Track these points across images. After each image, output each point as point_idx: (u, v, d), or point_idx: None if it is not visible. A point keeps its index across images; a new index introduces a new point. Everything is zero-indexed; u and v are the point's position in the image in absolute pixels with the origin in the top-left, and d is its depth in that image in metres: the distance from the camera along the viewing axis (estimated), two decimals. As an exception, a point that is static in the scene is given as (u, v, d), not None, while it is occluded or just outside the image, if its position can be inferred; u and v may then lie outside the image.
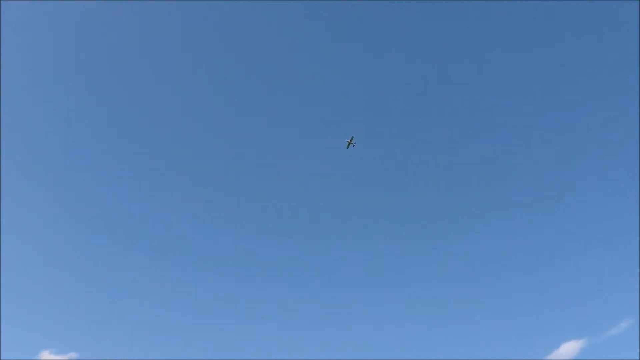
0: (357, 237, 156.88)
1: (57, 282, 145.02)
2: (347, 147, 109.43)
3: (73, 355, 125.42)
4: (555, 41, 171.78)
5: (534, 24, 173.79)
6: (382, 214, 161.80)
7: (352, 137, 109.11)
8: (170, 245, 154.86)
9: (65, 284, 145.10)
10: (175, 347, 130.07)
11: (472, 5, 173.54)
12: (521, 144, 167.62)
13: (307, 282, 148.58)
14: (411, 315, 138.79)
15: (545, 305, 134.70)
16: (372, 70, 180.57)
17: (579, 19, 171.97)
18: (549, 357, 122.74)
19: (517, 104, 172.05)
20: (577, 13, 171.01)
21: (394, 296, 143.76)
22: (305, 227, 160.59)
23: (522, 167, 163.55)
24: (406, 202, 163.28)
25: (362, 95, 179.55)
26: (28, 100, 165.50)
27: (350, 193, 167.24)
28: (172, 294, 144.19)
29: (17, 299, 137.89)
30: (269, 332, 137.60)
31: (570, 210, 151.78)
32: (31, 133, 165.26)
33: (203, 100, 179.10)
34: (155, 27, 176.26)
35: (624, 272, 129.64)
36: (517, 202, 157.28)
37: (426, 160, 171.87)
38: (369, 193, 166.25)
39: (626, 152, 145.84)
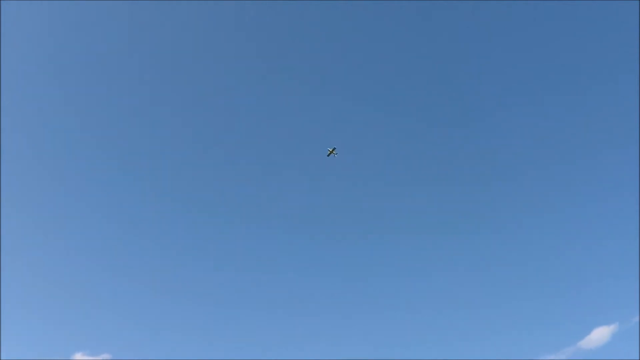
0: (370, 231, 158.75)
1: (89, 284, 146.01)
2: (328, 155, 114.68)
3: (106, 356, 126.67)
4: (556, 41, 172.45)
5: (534, 24, 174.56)
6: (399, 208, 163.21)
7: (335, 148, 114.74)
8: (200, 247, 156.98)
9: (97, 286, 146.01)
10: (206, 347, 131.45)
11: (472, 5, 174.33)
12: (524, 141, 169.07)
13: (314, 276, 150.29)
14: (447, 306, 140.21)
15: (576, 291, 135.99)
16: (373, 69, 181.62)
17: (579, 19, 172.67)
18: (580, 343, 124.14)
19: (519, 103, 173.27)
20: (577, 13, 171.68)
21: (423, 286, 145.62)
22: (310, 222, 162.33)
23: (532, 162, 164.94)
24: (423, 196, 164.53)
25: (365, 95, 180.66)
26: (28, 100, 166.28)
27: (355, 189, 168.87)
28: (202, 294, 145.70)
29: (50, 301, 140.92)
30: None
31: (599, 197, 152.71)
32: (31, 133, 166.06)
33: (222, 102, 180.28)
34: (164, 27, 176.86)
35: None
36: (540, 193, 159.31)
37: (432, 156, 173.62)
38: (378, 188, 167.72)
39: (627, 149, 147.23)
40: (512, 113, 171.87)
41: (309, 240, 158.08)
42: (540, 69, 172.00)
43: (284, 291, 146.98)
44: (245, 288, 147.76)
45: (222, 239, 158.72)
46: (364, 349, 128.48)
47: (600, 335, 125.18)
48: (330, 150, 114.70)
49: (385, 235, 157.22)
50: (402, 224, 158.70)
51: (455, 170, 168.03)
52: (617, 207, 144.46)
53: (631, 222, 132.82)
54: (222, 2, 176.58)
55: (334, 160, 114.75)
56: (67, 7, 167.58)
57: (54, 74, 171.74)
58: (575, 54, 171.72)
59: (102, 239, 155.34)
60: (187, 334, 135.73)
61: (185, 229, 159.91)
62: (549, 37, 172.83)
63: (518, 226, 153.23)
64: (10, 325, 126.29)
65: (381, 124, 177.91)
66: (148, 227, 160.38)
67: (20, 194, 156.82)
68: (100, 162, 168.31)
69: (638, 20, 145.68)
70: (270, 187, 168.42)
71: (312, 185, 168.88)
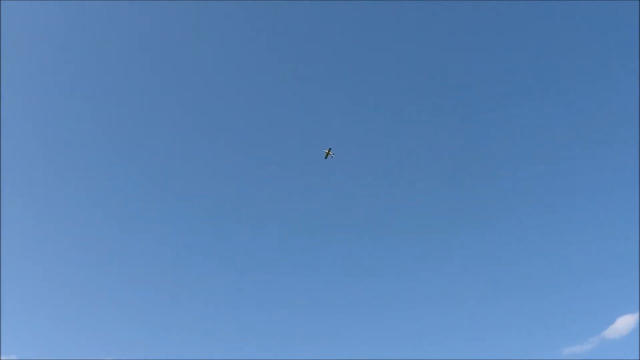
0: (365, 230, 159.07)
1: (91, 285, 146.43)
2: (326, 158, 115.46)
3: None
4: (555, 40, 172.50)
5: (534, 23, 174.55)
6: (394, 207, 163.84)
7: (330, 149, 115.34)
8: (199, 246, 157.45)
9: (99, 286, 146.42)
10: (206, 346, 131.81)
11: (473, 5, 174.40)
12: (524, 140, 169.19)
13: (313, 276, 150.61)
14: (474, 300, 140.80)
15: (599, 282, 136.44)
16: (371, 69, 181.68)
17: (579, 19, 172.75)
18: (605, 332, 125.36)
19: (518, 102, 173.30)
20: (577, 13, 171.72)
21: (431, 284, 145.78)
22: (309, 222, 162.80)
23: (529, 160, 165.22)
24: (422, 196, 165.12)
25: (364, 95, 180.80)
26: (28, 100, 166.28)
27: (353, 189, 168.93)
28: (203, 294, 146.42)
29: (53, 301, 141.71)
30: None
31: (609, 191, 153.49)
32: (31, 133, 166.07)
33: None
34: (164, 27, 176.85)
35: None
36: (549, 188, 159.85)
37: (432, 156, 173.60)
38: (376, 186, 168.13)
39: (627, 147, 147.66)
40: (512, 111, 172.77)
41: (308, 240, 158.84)
42: (540, 68, 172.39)
43: (285, 291, 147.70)
44: (243, 288, 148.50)
45: (222, 239, 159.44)
46: (367, 349, 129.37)
47: (624, 324, 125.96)
48: (327, 151, 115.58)
49: (390, 235, 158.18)
50: (406, 224, 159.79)
51: (457, 169, 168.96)
52: (634, 199, 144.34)
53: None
54: (220, 2, 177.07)
55: (333, 160, 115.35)
56: (67, 7, 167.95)
57: (54, 74, 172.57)
58: (575, 54, 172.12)
59: (104, 239, 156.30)
60: (187, 334, 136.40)
61: (186, 230, 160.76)
62: (549, 37, 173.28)
63: (533, 221, 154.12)
64: (11, 325, 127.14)
65: (380, 123, 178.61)
66: (149, 227, 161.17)
67: (20, 193, 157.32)
68: (100, 162, 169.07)
69: (638, 20, 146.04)
70: (270, 187, 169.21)
71: (311, 185, 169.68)
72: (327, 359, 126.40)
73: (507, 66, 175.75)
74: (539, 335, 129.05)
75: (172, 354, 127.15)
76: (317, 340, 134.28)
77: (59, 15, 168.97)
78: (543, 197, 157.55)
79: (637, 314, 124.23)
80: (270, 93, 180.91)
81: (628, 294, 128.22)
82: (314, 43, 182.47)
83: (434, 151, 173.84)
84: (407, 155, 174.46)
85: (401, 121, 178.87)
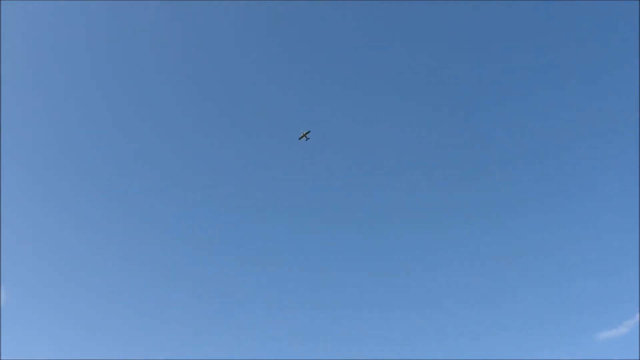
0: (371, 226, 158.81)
1: (94, 285, 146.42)
2: (300, 139, 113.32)
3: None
4: (555, 40, 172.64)
5: (534, 23, 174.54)
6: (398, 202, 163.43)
7: (309, 131, 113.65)
8: (202, 242, 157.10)
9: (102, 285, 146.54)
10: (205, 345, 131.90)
11: (473, 5, 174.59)
12: (525, 140, 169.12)
13: (313, 273, 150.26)
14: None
15: (622, 273, 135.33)
16: (372, 67, 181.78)
17: (579, 19, 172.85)
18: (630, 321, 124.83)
19: (518, 100, 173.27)
20: (577, 13, 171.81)
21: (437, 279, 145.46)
22: (310, 219, 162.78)
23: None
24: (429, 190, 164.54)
25: (365, 92, 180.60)
26: (28, 100, 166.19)
27: (353, 186, 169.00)
28: (206, 290, 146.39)
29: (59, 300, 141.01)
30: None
31: (605, 190, 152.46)
32: (31, 133, 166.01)
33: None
34: (164, 26, 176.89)
35: None
36: (553, 185, 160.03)
37: (434, 152, 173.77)
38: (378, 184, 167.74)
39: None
40: (513, 109, 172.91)
41: (309, 237, 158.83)
42: (540, 68, 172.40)
43: (282, 289, 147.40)
44: (243, 285, 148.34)
45: (224, 234, 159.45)
46: (369, 348, 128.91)
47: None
48: (304, 133, 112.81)
49: (394, 232, 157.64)
50: (413, 221, 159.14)
51: (461, 166, 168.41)
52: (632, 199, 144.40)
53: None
54: (219, 2, 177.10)
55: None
56: (67, 7, 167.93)
57: (54, 74, 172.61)
58: (575, 54, 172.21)
59: (106, 239, 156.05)
60: (190, 332, 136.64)
61: (188, 226, 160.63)
62: (549, 37, 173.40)
63: (538, 220, 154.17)
64: (11, 325, 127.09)
65: (380, 120, 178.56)
66: (150, 225, 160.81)
67: (21, 192, 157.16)
68: (100, 162, 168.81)
69: (638, 20, 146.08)
70: (272, 183, 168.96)
71: (310, 183, 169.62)
72: (328, 358, 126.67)
73: (509, 65, 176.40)
74: (574, 321, 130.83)
75: (172, 353, 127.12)
76: (317, 339, 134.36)
77: (59, 15, 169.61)
78: (551, 193, 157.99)
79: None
80: (275, 91, 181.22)
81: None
82: (314, 41, 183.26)
83: (437, 149, 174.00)
84: (412, 153, 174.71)
85: (405, 119, 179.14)
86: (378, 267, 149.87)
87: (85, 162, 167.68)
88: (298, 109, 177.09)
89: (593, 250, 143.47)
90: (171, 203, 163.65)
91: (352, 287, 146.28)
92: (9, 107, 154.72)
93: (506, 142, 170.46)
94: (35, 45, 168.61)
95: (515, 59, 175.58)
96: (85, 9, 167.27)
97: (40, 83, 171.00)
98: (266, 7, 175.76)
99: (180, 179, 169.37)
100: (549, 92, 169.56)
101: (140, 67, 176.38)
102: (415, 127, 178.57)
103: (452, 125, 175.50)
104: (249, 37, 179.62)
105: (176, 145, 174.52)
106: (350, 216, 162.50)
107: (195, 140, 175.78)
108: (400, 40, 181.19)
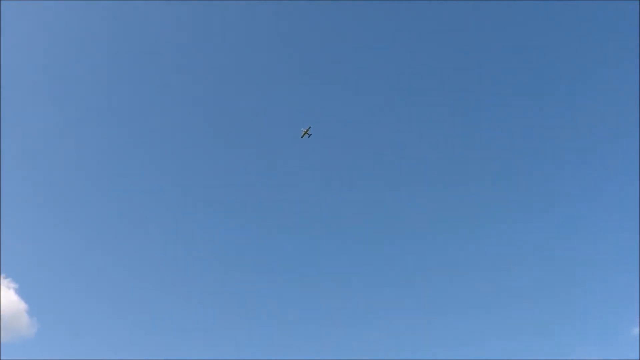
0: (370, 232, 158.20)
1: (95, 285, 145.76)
2: (302, 137, 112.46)
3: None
4: (555, 40, 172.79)
5: (534, 23, 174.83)
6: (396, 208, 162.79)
7: (309, 127, 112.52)
8: (198, 246, 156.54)
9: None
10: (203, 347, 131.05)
11: (473, 5, 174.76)
12: (526, 139, 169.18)
13: (311, 277, 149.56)
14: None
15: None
16: (372, 68, 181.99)
17: (579, 19, 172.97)
18: None
19: (517, 101, 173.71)
20: (577, 13, 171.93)
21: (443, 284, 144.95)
22: (310, 223, 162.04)
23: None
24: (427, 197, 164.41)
25: (368, 96, 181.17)
26: (28, 100, 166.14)
27: (352, 189, 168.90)
28: (202, 296, 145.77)
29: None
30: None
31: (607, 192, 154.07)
32: (32, 133, 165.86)
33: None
34: (164, 26, 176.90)
35: None
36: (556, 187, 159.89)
37: (435, 156, 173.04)
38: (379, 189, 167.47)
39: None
40: (512, 111, 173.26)
41: (307, 241, 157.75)
42: (540, 67, 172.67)
43: (283, 294, 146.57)
44: (242, 290, 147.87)
45: (227, 240, 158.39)
46: (371, 350, 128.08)
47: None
48: (305, 130, 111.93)
49: (399, 236, 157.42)
50: (417, 225, 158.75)
51: (462, 170, 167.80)
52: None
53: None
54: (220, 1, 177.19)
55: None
56: (67, 7, 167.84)
57: (54, 74, 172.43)
58: (575, 54, 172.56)
59: (108, 238, 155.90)
60: (189, 336, 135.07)
61: (188, 230, 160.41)
62: (549, 37, 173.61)
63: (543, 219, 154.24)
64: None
65: (380, 123, 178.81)
66: (151, 226, 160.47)
67: (22, 191, 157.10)
68: (100, 162, 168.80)
69: (638, 20, 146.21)
70: (270, 186, 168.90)
71: (310, 185, 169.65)
72: (329, 359, 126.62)
73: (508, 66, 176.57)
74: (608, 318, 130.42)
75: (172, 354, 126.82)
76: (317, 340, 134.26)
77: (59, 15, 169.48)
78: (550, 195, 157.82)
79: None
80: (276, 93, 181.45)
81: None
82: (313, 42, 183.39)
83: (438, 152, 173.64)
84: (412, 156, 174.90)
85: (406, 120, 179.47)
86: (379, 271, 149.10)
87: (85, 162, 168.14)
88: (299, 111, 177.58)
89: (624, 247, 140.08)
90: (178, 208, 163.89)
91: (357, 290, 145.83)
92: (9, 107, 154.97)
93: (507, 143, 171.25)
94: (35, 45, 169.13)
95: (515, 59, 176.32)
96: (86, 9, 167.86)
97: (40, 83, 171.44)
98: (266, 7, 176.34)
99: (181, 181, 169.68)
100: (549, 93, 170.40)
101: (140, 67, 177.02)
102: (419, 130, 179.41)
103: (456, 127, 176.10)
104: (249, 37, 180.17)
105: (179, 148, 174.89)
106: (351, 219, 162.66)
107: (197, 142, 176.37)
108: (400, 41, 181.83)
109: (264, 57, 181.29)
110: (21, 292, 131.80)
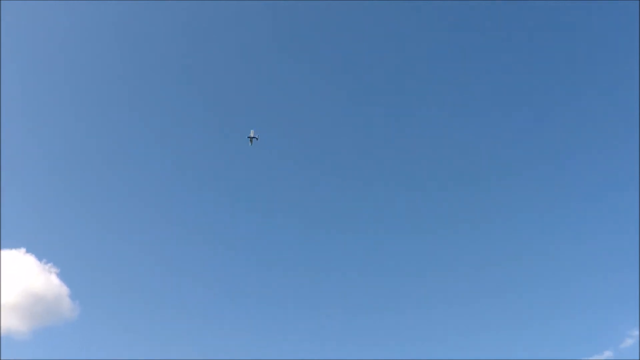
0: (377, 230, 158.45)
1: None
2: (251, 144, 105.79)
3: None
4: (555, 41, 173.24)
5: (534, 23, 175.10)
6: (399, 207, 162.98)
7: (252, 131, 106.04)
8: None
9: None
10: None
11: (473, 5, 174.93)
12: (526, 140, 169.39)
13: (311, 275, 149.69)
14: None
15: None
16: (370, 69, 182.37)
17: (579, 19, 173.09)
18: None
19: (516, 102, 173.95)
20: (577, 13, 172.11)
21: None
22: (310, 222, 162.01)
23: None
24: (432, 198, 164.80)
25: (370, 96, 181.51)
26: (28, 100, 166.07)
27: (351, 189, 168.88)
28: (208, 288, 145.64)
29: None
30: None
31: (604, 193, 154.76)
32: (32, 133, 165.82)
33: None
34: (165, 26, 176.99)
35: None
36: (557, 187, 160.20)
37: (436, 155, 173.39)
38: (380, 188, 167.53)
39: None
40: (512, 111, 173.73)
41: (313, 237, 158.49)
42: (540, 68, 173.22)
43: (283, 289, 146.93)
44: (244, 285, 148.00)
45: (233, 233, 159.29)
46: (372, 349, 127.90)
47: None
48: (251, 136, 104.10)
49: (399, 234, 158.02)
50: (418, 223, 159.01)
51: (463, 169, 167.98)
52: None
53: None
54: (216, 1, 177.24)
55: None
56: (67, 7, 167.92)
57: (54, 74, 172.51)
58: (575, 54, 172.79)
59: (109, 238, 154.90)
60: (187, 334, 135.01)
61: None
62: (549, 37, 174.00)
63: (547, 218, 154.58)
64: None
65: (380, 123, 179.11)
66: (151, 224, 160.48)
67: (22, 192, 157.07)
68: (104, 161, 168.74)
69: (638, 20, 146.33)
70: (275, 184, 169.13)
71: (310, 185, 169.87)
72: (329, 359, 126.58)
73: (508, 66, 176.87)
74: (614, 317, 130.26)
75: (172, 354, 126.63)
76: (317, 340, 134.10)
77: (59, 15, 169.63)
78: (551, 196, 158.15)
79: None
80: (280, 93, 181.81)
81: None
82: (311, 42, 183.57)
83: (439, 151, 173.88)
84: (413, 156, 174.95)
85: (407, 121, 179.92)
86: (380, 269, 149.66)
87: (86, 162, 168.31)
88: (300, 111, 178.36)
89: (624, 247, 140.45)
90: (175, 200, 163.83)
91: (355, 288, 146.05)
92: (9, 107, 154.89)
93: (507, 143, 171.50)
94: (35, 45, 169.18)
95: (516, 60, 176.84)
96: (86, 9, 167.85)
97: (40, 83, 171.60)
98: (266, 7, 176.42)
99: (188, 176, 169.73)
100: (549, 94, 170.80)
101: (140, 66, 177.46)
102: (419, 130, 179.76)
103: (455, 127, 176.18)
104: (248, 37, 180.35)
105: (184, 144, 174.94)
106: (352, 218, 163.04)
107: (203, 137, 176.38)
108: (400, 40, 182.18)
109: (264, 57, 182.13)
110: (63, 276, 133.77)
